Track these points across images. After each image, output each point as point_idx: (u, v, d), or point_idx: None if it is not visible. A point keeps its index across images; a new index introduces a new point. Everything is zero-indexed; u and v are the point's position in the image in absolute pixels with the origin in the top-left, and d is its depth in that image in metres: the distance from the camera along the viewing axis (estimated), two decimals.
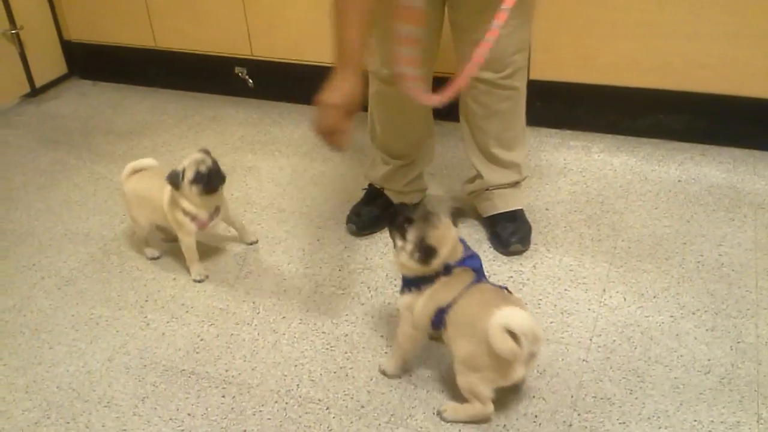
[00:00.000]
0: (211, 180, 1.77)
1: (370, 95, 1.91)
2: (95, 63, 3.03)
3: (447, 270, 1.42)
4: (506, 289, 1.45)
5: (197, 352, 1.64)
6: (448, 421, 1.42)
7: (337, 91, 1.42)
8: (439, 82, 1.87)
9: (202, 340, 1.68)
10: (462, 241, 1.47)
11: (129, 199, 1.91)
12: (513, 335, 1.29)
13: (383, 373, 1.54)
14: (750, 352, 1.53)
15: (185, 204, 1.79)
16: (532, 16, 1.74)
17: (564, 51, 2.33)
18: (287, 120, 2.66)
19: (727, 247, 1.85)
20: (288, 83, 2.73)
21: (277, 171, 2.34)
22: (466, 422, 1.42)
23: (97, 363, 1.63)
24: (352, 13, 1.41)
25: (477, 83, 1.79)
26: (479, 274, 1.45)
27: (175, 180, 1.76)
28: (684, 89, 2.25)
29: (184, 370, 1.60)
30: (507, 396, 1.45)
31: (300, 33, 2.60)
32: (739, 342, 1.56)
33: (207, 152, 1.80)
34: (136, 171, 1.91)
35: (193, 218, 1.80)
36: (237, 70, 2.79)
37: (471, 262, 1.46)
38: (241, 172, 2.35)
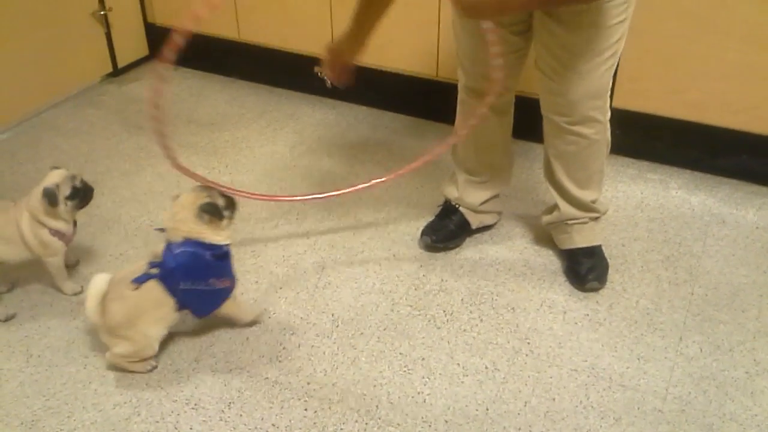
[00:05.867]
0: (87, 194, 1.83)
1: (458, 102, 1.95)
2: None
3: None
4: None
5: (280, 361, 1.70)
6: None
7: (335, 43, 1.88)
8: (518, 103, 1.93)
9: (284, 348, 1.73)
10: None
11: None
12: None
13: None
14: None
15: (53, 223, 1.78)
16: (610, 61, 1.68)
17: (651, 82, 2.31)
18: (363, 124, 2.69)
19: None
20: (367, 87, 2.75)
21: (353, 178, 2.38)
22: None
23: (184, 362, 1.70)
24: (375, 15, 1.76)
25: (546, 123, 1.82)
26: None
27: (53, 198, 1.74)
28: None
29: (267, 378, 1.66)
30: None
31: (385, 39, 2.61)
32: None
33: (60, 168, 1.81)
34: None
35: (62, 236, 1.81)
36: (316, 69, 2.82)
37: None
38: (318, 176, 2.39)
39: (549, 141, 1.86)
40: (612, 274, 1.94)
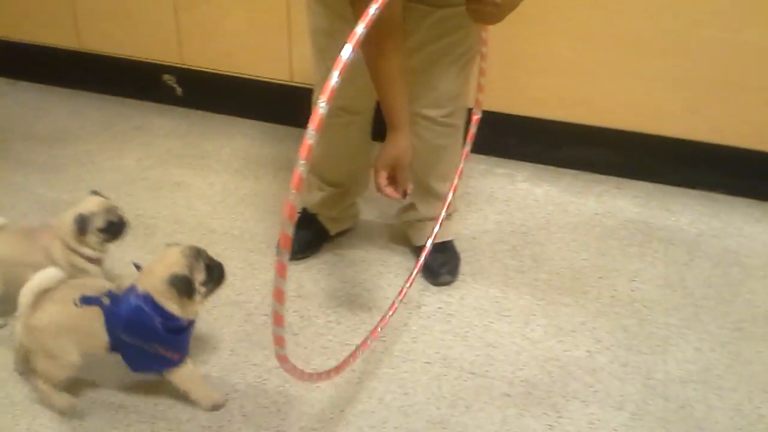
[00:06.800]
0: (120, 229, 1.73)
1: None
2: (12, 61, 2.89)
3: None
4: None
5: (125, 384, 1.62)
6: None
7: (385, 155, 1.55)
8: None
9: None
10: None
11: None
12: None
13: None
14: (659, 388, 1.65)
15: (87, 250, 1.70)
16: (474, 61, 1.78)
17: (495, 82, 2.39)
18: (218, 133, 2.63)
19: (639, 282, 1.98)
20: (219, 94, 2.70)
21: (207, 188, 2.32)
22: None
23: (21, 394, 1.58)
24: (394, 82, 1.51)
25: (419, 119, 1.84)
26: None
27: (84, 226, 1.66)
28: (604, 125, 2.37)
29: (111, 402, 1.57)
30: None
31: (235, 45, 2.57)
32: (649, 378, 1.68)
33: (101, 195, 1.73)
34: None
35: (94, 261, 1.73)
36: (165, 77, 2.73)
37: None
38: (168, 188, 2.31)
39: (420, 138, 1.79)
40: (463, 267, 1.99)
